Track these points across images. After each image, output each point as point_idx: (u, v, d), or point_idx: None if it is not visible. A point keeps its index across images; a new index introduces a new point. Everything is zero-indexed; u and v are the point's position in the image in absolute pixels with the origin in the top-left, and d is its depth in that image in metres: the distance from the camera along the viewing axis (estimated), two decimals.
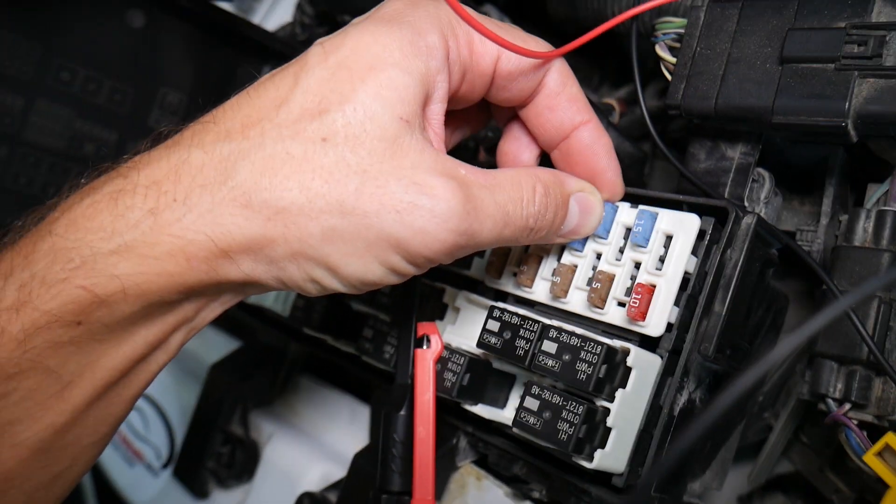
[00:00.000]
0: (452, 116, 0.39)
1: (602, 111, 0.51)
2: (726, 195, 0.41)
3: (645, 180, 0.59)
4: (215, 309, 0.35)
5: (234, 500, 0.55)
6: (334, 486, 0.49)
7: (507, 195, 0.34)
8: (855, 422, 0.36)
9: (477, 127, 0.43)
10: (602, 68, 0.72)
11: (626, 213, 0.39)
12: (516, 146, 0.41)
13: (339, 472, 0.50)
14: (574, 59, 0.69)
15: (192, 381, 0.62)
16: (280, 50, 0.65)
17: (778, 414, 0.49)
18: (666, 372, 0.37)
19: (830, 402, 0.38)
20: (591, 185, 0.38)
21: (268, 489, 0.53)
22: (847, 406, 0.37)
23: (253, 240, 0.31)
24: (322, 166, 0.31)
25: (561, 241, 0.39)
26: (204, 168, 0.31)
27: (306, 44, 0.65)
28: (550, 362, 0.36)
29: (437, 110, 0.35)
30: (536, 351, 0.37)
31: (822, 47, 0.35)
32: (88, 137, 0.60)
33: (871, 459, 0.34)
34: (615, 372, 0.36)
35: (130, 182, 0.31)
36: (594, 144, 0.38)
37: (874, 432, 0.37)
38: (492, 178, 0.34)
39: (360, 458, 0.46)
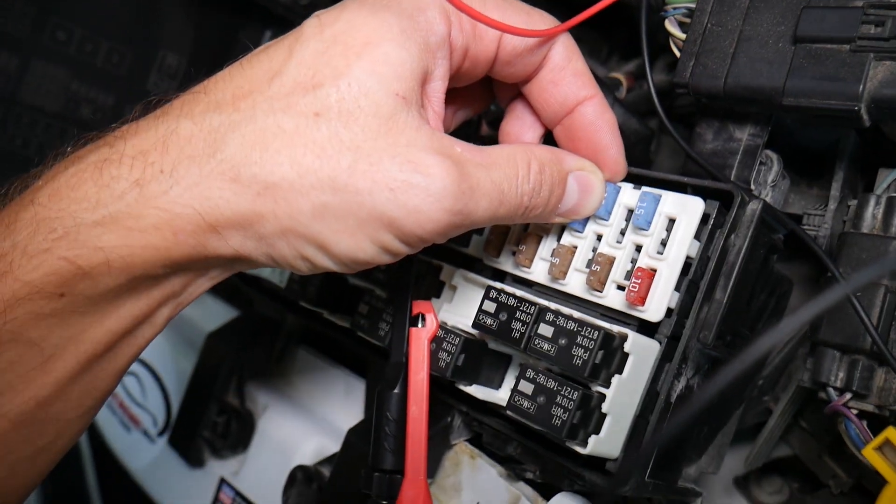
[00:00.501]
0: (455, 95, 0.38)
1: (608, 86, 0.50)
2: (733, 177, 0.40)
3: (651, 157, 0.58)
4: (203, 284, 0.34)
5: (228, 469, 0.55)
6: (328, 461, 0.49)
7: (503, 172, 0.33)
8: (855, 412, 0.36)
9: (480, 107, 0.42)
10: (610, 40, 0.70)
11: (629, 195, 0.38)
12: (519, 126, 0.40)
13: (333, 446, 0.50)
14: (582, 31, 0.67)
15: (189, 349, 0.62)
16: (282, 15, 0.63)
17: (778, 398, 0.48)
18: (664, 358, 0.36)
19: (831, 390, 0.37)
20: (591, 163, 0.37)
21: (262, 460, 0.53)
22: (848, 395, 0.37)
23: (242, 215, 0.30)
24: (314, 141, 0.30)
25: (560, 221, 0.38)
26: (192, 139, 0.31)
27: (309, 8, 0.64)
28: (546, 346, 0.36)
29: (437, 88, 0.34)
30: (532, 334, 0.36)
31: (837, 27, 0.34)
32: (85, 99, 0.59)
33: (870, 454, 0.33)
34: (612, 357, 0.35)
35: (116, 151, 0.31)
36: (598, 120, 0.37)
37: (875, 422, 0.37)
38: (487, 155, 0.33)
39: (353, 435, 0.46)
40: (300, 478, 0.48)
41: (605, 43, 0.70)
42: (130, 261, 0.30)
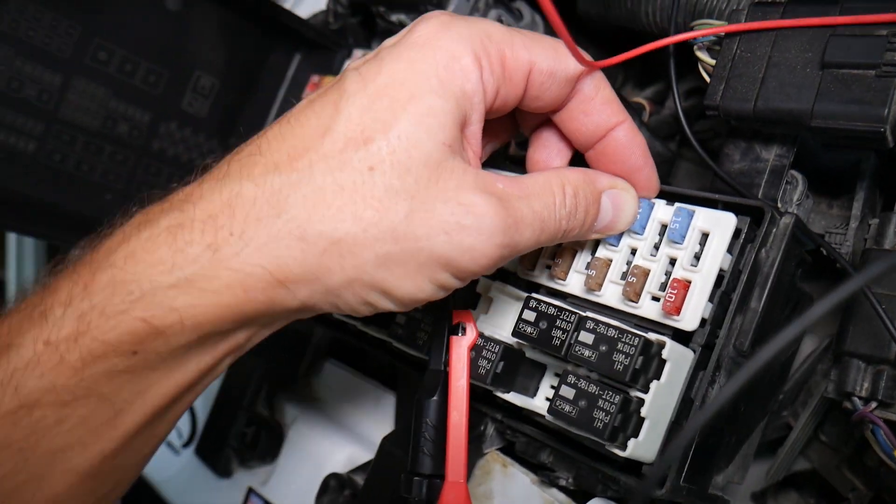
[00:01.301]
0: (484, 129, 0.40)
1: (634, 109, 0.52)
2: (759, 196, 0.42)
3: (668, 180, 0.60)
4: (265, 333, 0.36)
5: (257, 479, 0.56)
6: (361, 469, 0.50)
7: (541, 201, 0.35)
8: (884, 419, 0.37)
9: (506, 138, 0.44)
10: (626, 69, 0.72)
11: (663, 210, 0.40)
12: (546, 153, 0.41)
13: (363, 455, 0.51)
14: (599, 58, 0.69)
15: None
16: (313, 38, 0.66)
17: (797, 413, 0.50)
18: (698, 366, 0.38)
19: (856, 400, 0.39)
20: (623, 181, 0.39)
21: (292, 470, 0.54)
22: (873, 405, 0.38)
23: (309, 270, 0.32)
24: (372, 195, 0.32)
25: (596, 237, 0.40)
26: (257, 201, 0.32)
27: (339, 33, 0.66)
28: (587, 352, 0.37)
29: (475, 131, 0.36)
30: (573, 341, 0.38)
31: (863, 54, 0.36)
32: (123, 117, 0.61)
33: None
34: (650, 363, 0.37)
35: (187, 217, 0.32)
36: (630, 143, 0.39)
37: None
38: (525, 186, 0.35)
39: (387, 442, 0.47)
40: (333, 485, 0.49)
41: (621, 71, 0.73)
42: (202, 319, 0.32)
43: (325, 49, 0.67)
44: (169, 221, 0.32)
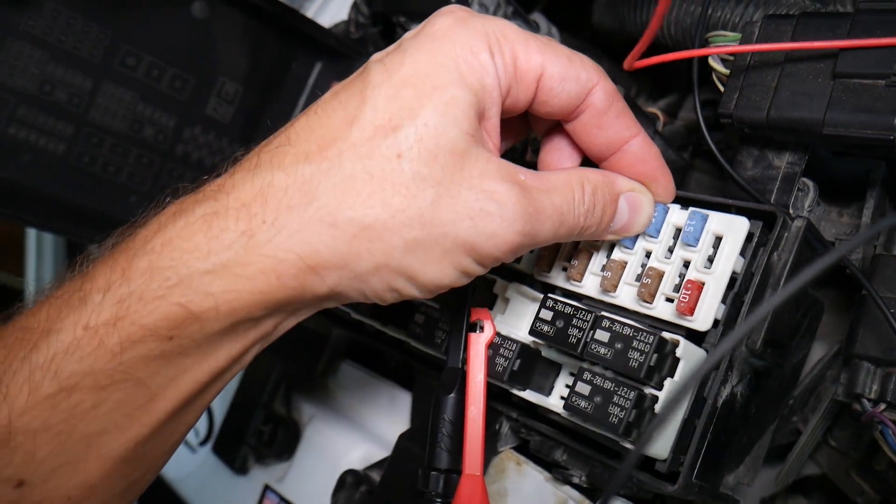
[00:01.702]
0: None
1: (649, 119, 0.53)
2: (772, 202, 0.43)
3: (681, 189, 0.61)
4: (291, 322, 0.37)
5: (273, 476, 0.57)
6: (377, 465, 0.51)
7: (562, 196, 0.36)
8: (892, 420, 0.38)
9: (518, 137, 0.45)
10: (639, 80, 0.74)
11: (677, 215, 0.41)
12: (557, 157, 0.42)
13: (379, 453, 0.52)
14: (613, 70, 0.71)
15: None
16: (334, 47, 0.67)
17: (807, 418, 0.51)
18: (712, 365, 0.39)
19: (865, 401, 0.40)
20: (640, 184, 0.40)
21: (308, 467, 0.55)
22: (882, 406, 0.39)
23: (340, 256, 0.33)
24: (400, 182, 0.33)
25: (612, 238, 0.41)
26: (288, 190, 0.33)
27: (360, 42, 0.68)
28: (603, 350, 0.38)
29: (494, 124, 0.37)
30: (589, 339, 0.39)
31: (873, 65, 0.37)
32: (149, 121, 0.62)
33: None
34: (664, 361, 0.38)
35: (221, 205, 0.34)
36: (644, 155, 0.40)
37: None
38: (547, 181, 0.36)
39: (404, 439, 0.48)
40: (350, 481, 0.50)
41: (634, 83, 0.74)
42: (237, 304, 0.33)
43: (346, 57, 0.68)
44: (204, 210, 0.33)
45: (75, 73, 0.58)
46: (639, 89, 0.75)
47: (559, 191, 0.36)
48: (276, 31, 0.66)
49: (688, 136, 0.62)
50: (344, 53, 0.68)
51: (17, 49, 0.55)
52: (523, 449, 0.47)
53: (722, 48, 0.43)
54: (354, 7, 0.66)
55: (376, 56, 0.37)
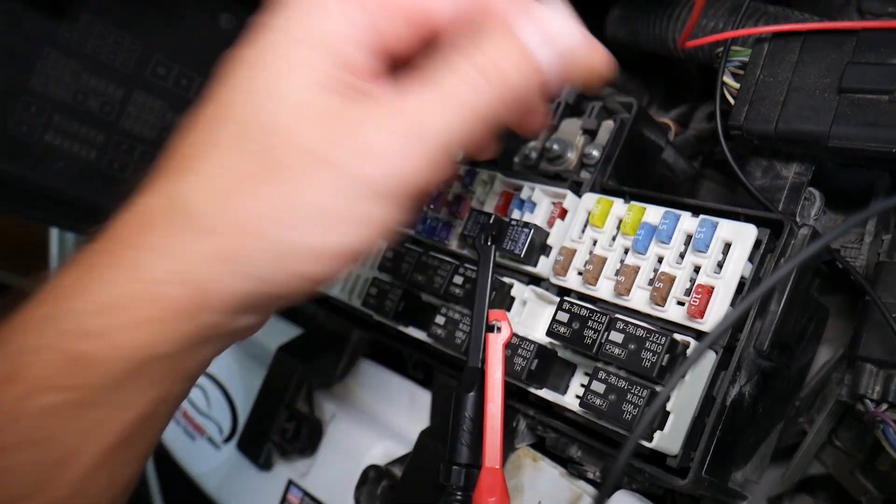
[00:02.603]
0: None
1: (661, 129, 0.55)
2: (781, 207, 0.45)
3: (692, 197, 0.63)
4: (212, 351, 0.34)
5: (297, 471, 0.59)
6: (398, 461, 0.53)
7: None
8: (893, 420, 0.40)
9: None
10: (651, 90, 0.76)
11: (688, 222, 0.43)
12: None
13: (399, 450, 0.54)
14: (625, 81, 0.73)
15: (257, 365, 0.66)
16: None
17: (812, 420, 0.53)
18: (720, 366, 0.41)
19: (868, 402, 0.42)
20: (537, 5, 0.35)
21: (331, 462, 0.57)
22: (884, 406, 0.41)
23: (231, 262, 0.31)
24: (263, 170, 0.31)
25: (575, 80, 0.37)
26: (158, 213, 0.31)
27: None
28: (617, 350, 0.40)
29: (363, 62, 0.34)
30: (604, 340, 0.41)
31: (877, 81, 0.39)
32: (176, 129, 0.64)
33: None
34: (676, 361, 0.40)
35: (102, 245, 0.32)
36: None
37: None
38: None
39: (425, 436, 0.50)
40: (372, 476, 0.52)
41: (646, 92, 0.76)
42: (135, 342, 0.30)
43: None
44: (89, 254, 0.32)
45: (108, 82, 0.60)
46: (651, 99, 0.77)
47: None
48: None
49: (698, 146, 0.64)
50: None
51: (54, 59, 0.57)
52: (539, 446, 0.49)
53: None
54: None
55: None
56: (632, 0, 0.65)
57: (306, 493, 0.57)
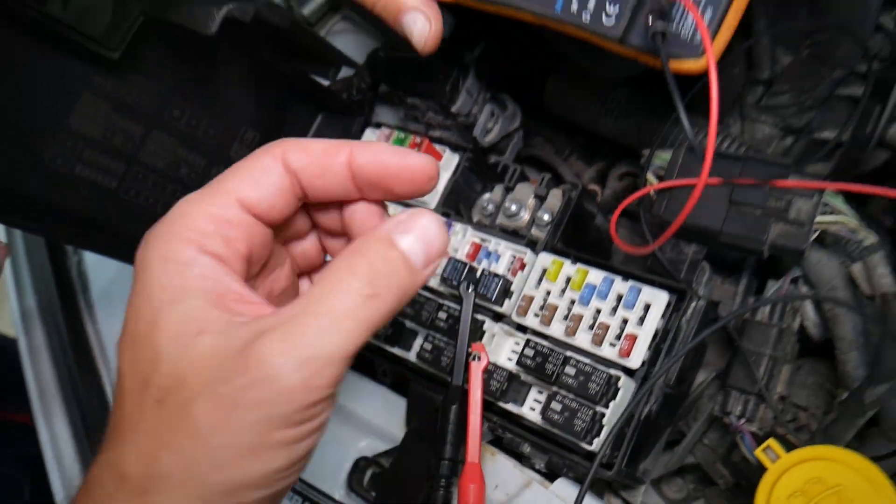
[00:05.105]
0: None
1: (591, 196, 0.71)
2: (682, 276, 0.62)
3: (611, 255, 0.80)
4: None
5: None
6: (384, 454, 0.66)
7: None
8: (749, 431, 0.58)
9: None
10: (572, 143, 0.91)
11: (620, 285, 0.59)
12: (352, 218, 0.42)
13: (381, 444, 0.68)
14: (550, 132, 0.88)
15: None
16: (336, 106, 0.81)
17: (689, 424, 0.71)
18: (637, 391, 0.57)
19: (732, 417, 0.60)
20: (406, 213, 0.38)
21: (323, 454, 0.70)
22: (742, 420, 0.59)
23: None
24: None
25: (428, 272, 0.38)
26: (106, 481, 0.34)
27: (357, 104, 0.82)
28: (570, 381, 0.56)
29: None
30: (560, 372, 0.57)
31: (754, 199, 0.57)
32: (185, 162, 0.74)
33: (758, 454, 0.55)
34: (610, 390, 0.56)
35: None
36: (371, 160, 0.39)
37: (756, 438, 0.59)
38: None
39: (411, 433, 0.65)
40: (362, 465, 0.65)
41: (569, 144, 0.92)
42: None
43: (343, 114, 0.83)
44: None
45: (132, 122, 0.69)
46: (571, 150, 0.93)
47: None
48: (295, 92, 0.79)
49: (615, 203, 0.81)
50: (342, 111, 0.82)
51: (91, 102, 0.66)
52: (497, 443, 0.64)
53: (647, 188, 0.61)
54: (358, 75, 0.80)
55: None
56: (563, 80, 0.80)
57: (301, 479, 0.69)
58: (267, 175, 0.38)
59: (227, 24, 0.53)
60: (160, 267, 0.35)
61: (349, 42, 0.90)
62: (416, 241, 0.37)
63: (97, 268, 1.01)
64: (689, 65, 0.49)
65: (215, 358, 0.33)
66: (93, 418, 0.87)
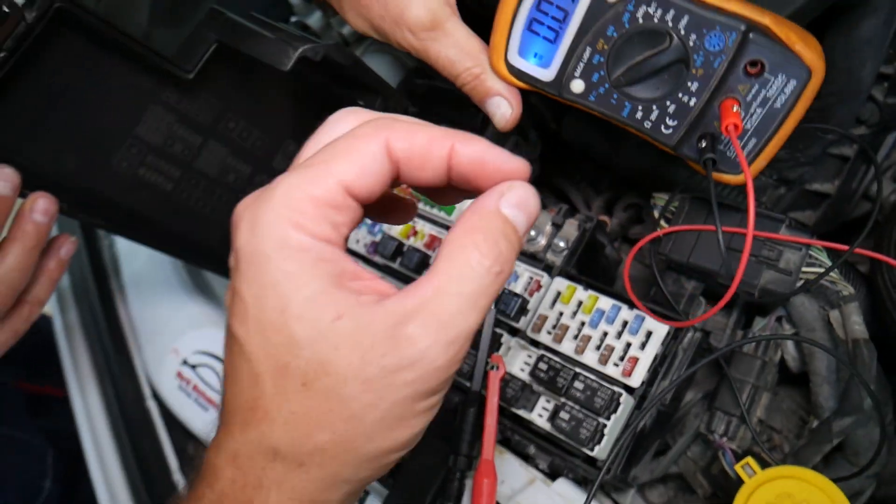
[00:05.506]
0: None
1: (602, 227, 0.79)
2: (681, 308, 0.70)
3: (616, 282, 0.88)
4: None
5: None
6: None
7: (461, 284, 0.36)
8: (730, 448, 0.66)
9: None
10: (581, 171, 0.99)
11: (626, 313, 0.67)
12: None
13: None
14: (563, 161, 0.95)
15: None
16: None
17: (675, 437, 0.79)
18: (636, 407, 0.65)
19: (716, 434, 0.68)
20: (507, 184, 0.39)
21: None
22: (725, 438, 0.67)
23: (320, 479, 0.36)
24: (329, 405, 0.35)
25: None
26: (257, 458, 0.36)
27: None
28: (578, 394, 0.64)
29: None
30: (570, 386, 0.64)
31: (752, 247, 0.65)
32: (233, 170, 0.81)
33: (738, 469, 0.63)
34: (612, 404, 0.64)
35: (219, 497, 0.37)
36: (477, 155, 0.38)
37: (735, 455, 0.67)
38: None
39: (429, 429, 0.72)
40: None
41: (578, 171, 0.99)
42: None
43: None
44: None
45: (192, 132, 0.76)
46: (581, 177, 1.00)
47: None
48: (335, 109, 0.86)
49: (621, 231, 0.89)
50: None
51: (157, 113, 0.73)
52: (505, 443, 0.72)
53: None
54: (394, 97, 0.87)
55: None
56: (579, 120, 0.87)
57: None
58: (374, 163, 0.37)
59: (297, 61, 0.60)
60: (278, 253, 0.35)
61: (383, 63, 0.97)
62: (521, 213, 0.38)
63: (128, 254, 1.08)
64: (729, 178, 0.58)
65: (357, 341, 0.34)
66: (124, 392, 0.94)
